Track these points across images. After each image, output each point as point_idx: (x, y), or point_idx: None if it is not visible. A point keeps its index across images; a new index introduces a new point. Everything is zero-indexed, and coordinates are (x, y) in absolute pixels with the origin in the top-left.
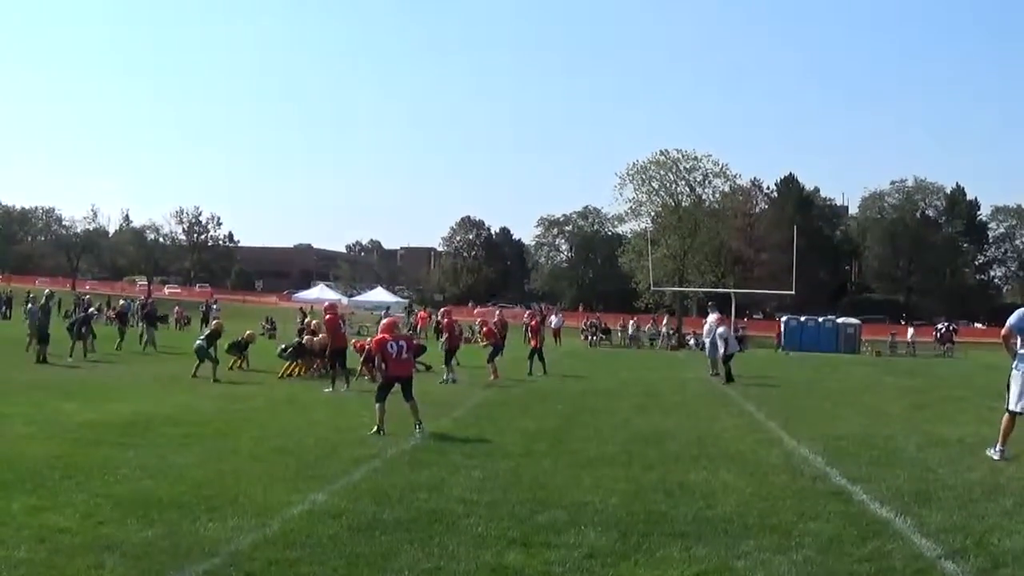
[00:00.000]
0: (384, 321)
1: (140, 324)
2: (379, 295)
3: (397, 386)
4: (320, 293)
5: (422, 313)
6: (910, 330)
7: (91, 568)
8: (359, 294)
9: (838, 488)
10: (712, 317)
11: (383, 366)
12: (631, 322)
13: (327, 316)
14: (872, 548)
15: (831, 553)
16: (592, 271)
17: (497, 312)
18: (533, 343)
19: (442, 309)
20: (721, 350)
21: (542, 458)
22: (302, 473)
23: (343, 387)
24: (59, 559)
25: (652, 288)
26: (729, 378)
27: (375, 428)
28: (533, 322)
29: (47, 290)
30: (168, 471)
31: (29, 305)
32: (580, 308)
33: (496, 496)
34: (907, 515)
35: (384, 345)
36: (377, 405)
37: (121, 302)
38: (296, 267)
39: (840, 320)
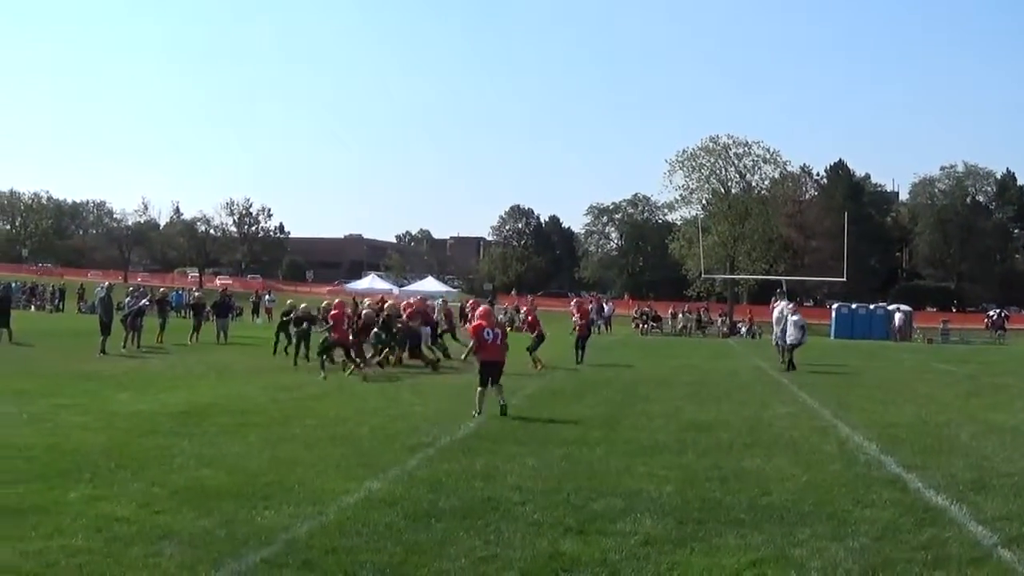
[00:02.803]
0: (480, 309)
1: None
2: (430, 285)
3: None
4: (371, 283)
5: (472, 302)
6: (898, 315)
7: (148, 556)
8: (410, 284)
9: (893, 476)
10: (786, 304)
11: (477, 351)
12: (681, 311)
13: (333, 311)
14: (928, 536)
15: (887, 541)
16: (642, 259)
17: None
18: (579, 331)
19: (470, 307)
20: (791, 339)
21: (595, 446)
22: (357, 461)
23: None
24: (116, 547)
25: (703, 276)
26: (791, 366)
27: (476, 411)
28: (580, 310)
29: (107, 282)
30: (223, 460)
31: (127, 299)
32: (626, 296)
33: (551, 484)
34: (963, 503)
35: (481, 332)
36: (479, 389)
37: (197, 293)
38: (347, 257)
39: (891, 307)
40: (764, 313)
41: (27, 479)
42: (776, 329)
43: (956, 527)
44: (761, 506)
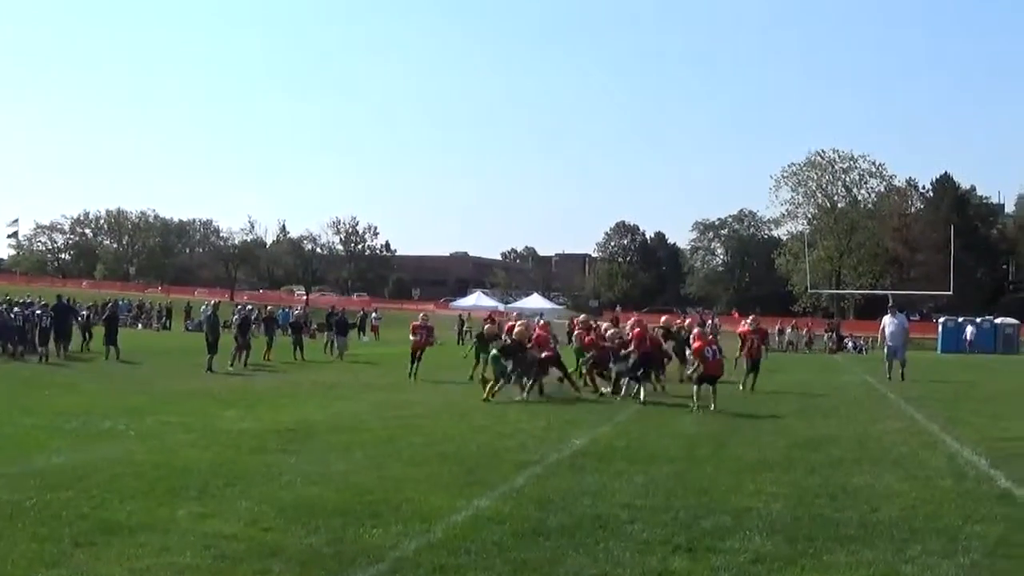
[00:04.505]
0: (696, 331)
1: (327, 332)
2: (536, 302)
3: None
4: (477, 300)
5: (576, 319)
6: (969, 329)
7: (256, 574)
8: (516, 301)
9: (1003, 491)
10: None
11: (700, 366)
12: (789, 326)
13: (538, 332)
14: None
15: (998, 556)
16: (748, 275)
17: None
18: (748, 354)
19: (632, 319)
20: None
21: (704, 463)
22: (464, 479)
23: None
24: (224, 565)
25: (809, 291)
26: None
27: (695, 406)
28: (743, 329)
29: (213, 300)
30: (331, 478)
31: (234, 317)
32: (735, 313)
33: (659, 501)
34: None
35: (703, 351)
36: (695, 388)
37: (296, 311)
38: (452, 275)
39: (998, 320)
40: (870, 328)
41: (135, 496)
42: (888, 343)
43: None
44: (871, 523)
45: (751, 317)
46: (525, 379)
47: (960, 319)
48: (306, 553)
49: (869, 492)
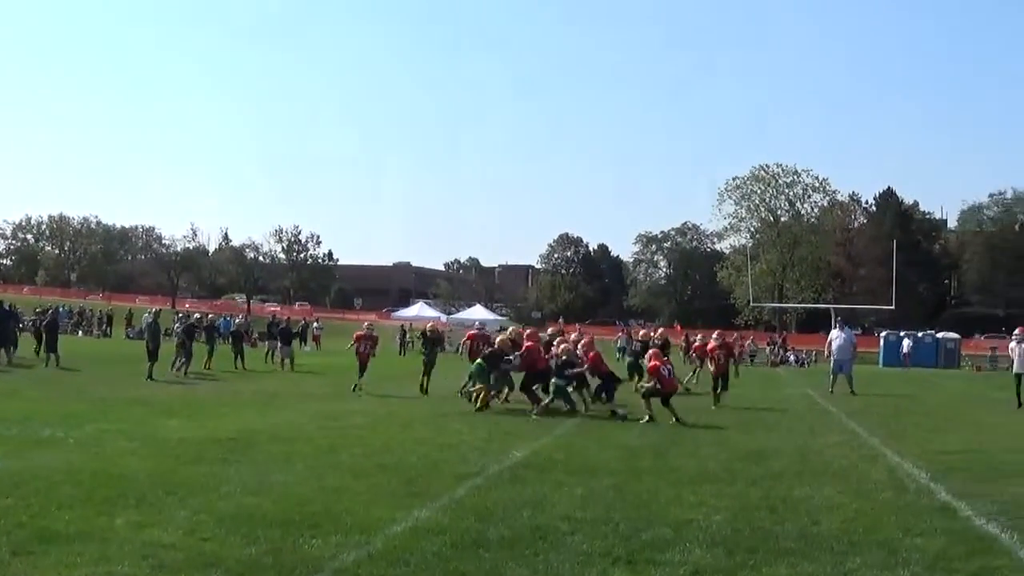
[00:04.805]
0: (652, 351)
1: (267, 342)
2: (478, 313)
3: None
4: (420, 311)
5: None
6: (906, 342)
7: None
8: (459, 312)
9: (943, 504)
10: (845, 333)
11: (658, 384)
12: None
13: (529, 343)
14: (979, 565)
15: (938, 570)
16: (691, 287)
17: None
18: (714, 368)
19: (584, 341)
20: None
21: (644, 475)
22: (404, 490)
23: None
24: (162, 575)
25: (751, 304)
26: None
27: (647, 418)
28: (711, 345)
29: (154, 308)
30: (271, 488)
31: (176, 326)
32: (677, 325)
33: (599, 513)
34: (1014, 531)
35: (659, 370)
36: (644, 400)
37: (238, 320)
38: (395, 285)
39: (940, 335)
40: (811, 341)
41: (74, 504)
42: (835, 357)
43: (1007, 555)
44: (811, 535)
45: (716, 332)
46: (497, 390)
47: (901, 333)
48: (245, 563)
49: (809, 505)
